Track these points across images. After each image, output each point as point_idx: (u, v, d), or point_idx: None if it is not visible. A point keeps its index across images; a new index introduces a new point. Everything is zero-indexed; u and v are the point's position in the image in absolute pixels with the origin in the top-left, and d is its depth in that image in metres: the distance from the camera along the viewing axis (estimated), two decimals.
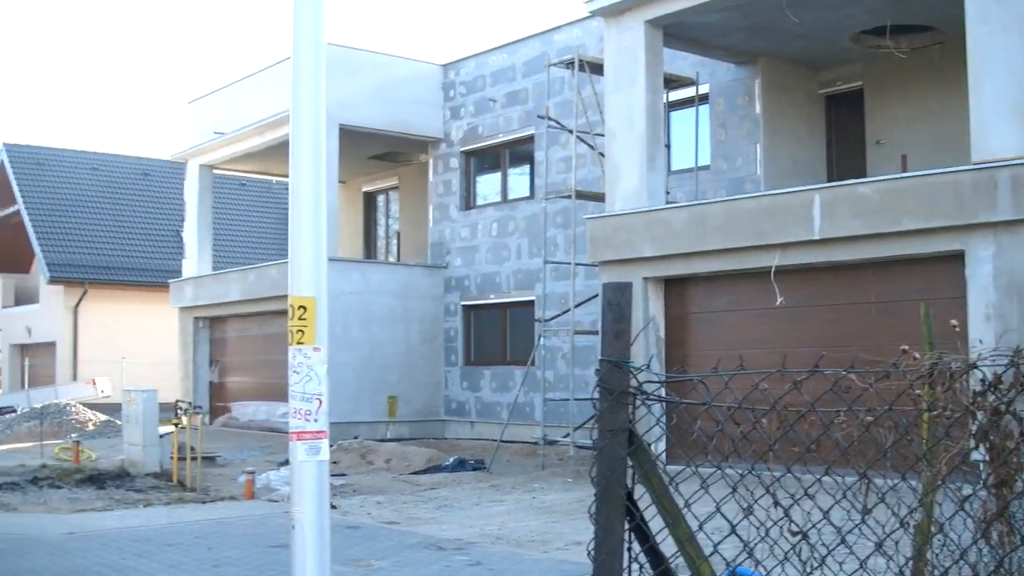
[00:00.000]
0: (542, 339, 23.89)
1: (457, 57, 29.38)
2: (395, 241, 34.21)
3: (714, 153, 23.04)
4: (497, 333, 27.96)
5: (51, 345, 44.44)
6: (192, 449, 20.25)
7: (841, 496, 4.36)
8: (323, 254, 6.98)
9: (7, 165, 46.25)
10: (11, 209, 46.59)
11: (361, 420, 26.67)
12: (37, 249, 43.53)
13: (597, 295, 21.36)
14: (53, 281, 42.77)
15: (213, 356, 33.90)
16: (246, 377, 32.56)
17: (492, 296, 27.68)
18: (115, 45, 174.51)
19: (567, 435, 22.08)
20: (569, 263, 22.80)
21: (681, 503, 4.41)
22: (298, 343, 6.91)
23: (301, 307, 6.94)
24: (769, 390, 4.28)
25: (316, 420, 6.94)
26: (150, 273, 43.71)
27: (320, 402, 6.96)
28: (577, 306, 22.58)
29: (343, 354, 25.92)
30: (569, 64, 22.88)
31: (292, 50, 7.66)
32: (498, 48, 28.01)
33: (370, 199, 35.06)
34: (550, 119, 23.68)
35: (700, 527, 4.43)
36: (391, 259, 33.74)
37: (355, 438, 24.88)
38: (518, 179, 28.02)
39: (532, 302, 26.17)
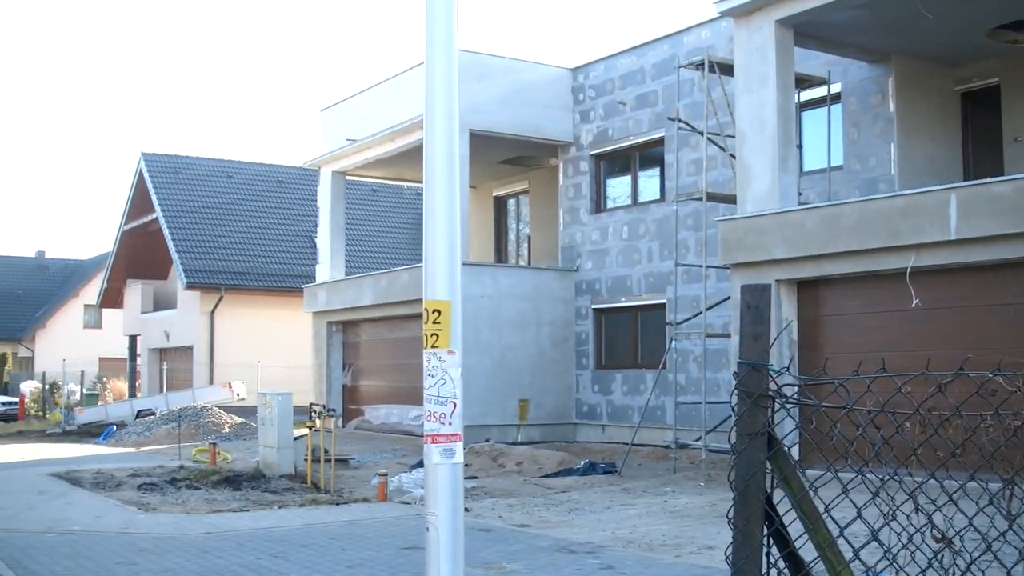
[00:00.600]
0: (673, 342, 23.73)
1: (586, 60, 29.34)
2: (526, 245, 34.27)
3: (847, 153, 22.66)
4: (628, 336, 27.86)
5: (188, 349, 45.36)
6: (326, 451, 20.47)
7: (986, 503, 4.24)
8: (457, 258, 6.99)
9: (146, 174, 47.35)
10: (150, 217, 47.68)
11: (492, 423, 26.76)
12: (174, 256, 44.47)
13: (729, 298, 21.17)
14: (190, 287, 43.64)
15: (346, 360, 34.29)
16: (378, 380, 32.87)
17: (623, 299, 27.58)
18: (250, 55, 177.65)
19: (699, 439, 21.89)
20: (700, 266, 22.61)
21: (820, 508, 4.33)
22: (432, 347, 6.93)
23: (435, 311, 6.96)
24: (912, 393, 4.17)
25: (450, 423, 6.95)
26: (284, 278, 44.39)
27: (454, 405, 6.97)
28: (709, 309, 22.39)
29: (474, 357, 26.03)
30: (699, 65, 22.70)
31: (425, 57, 7.70)
32: (627, 51, 27.92)
33: (500, 203, 35.19)
34: (680, 121, 23.51)
35: (840, 533, 4.34)
36: (522, 263, 33.80)
37: (486, 441, 24.95)
38: (648, 182, 27.89)
39: (663, 305, 26.02)
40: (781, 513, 4.39)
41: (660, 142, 26.78)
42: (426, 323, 6.97)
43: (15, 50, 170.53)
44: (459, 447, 6.85)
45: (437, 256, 7.06)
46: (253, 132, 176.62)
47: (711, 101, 22.64)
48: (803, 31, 20.20)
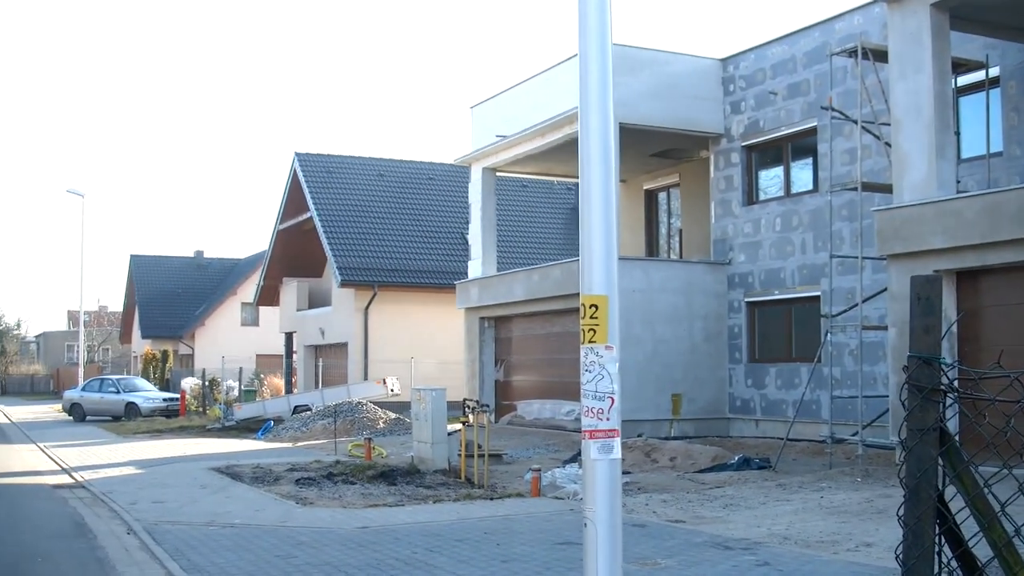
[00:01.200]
0: (829, 335, 23.30)
1: (736, 51, 28.99)
2: (677, 238, 34.02)
3: (1007, 139, 21.97)
4: (782, 329, 27.45)
5: (343, 346, 45.98)
6: (479, 447, 20.54)
7: None
8: (614, 253, 6.92)
9: (300, 174, 48.13)
10: (304, 216, 48.48)
11: (645, 418, 26.60)
12: (329, 254, 45.11)
13: (885, 289, 20.72)
14: (344, 284, 44.21)
15: (498, 355, 34.41)
16: (530, 375, 32.92)
17: (776, 292, 27.19)
18: (401, 54, 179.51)
19: (855, 433, 21.45)
20: (856, 257, 22.18)
21: (995, 506, 4.15)
22: (590, 342, 6.86)
23: (592, 306, 6.89)
24: None
25: (608, 419, 6.88)
26: (436, 275, 44.72)
27: (612, 400, 6.89)
28: (865, 301, 21.96)
29: (626, 352, 25.90)
30: (852, 53, 22.26)
31: (579, 53, 7.64)
32: (778, 39, 27.50)
33: (651, 197, 34.98)
34: (833, 110, 23.07)
35: (1017, 532, 4.16)
36: (673, 256, 33.55)
37: (639, 436, 24.82)
38: (801, 172, 27.43)
39: (817, 297, 25.59)
40: (954, 511, 4.22)
41: (813, 132, 26.32)
42: (583, 318, 6.91)
43: (173, 56, 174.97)
44: (617, 443, 6.77)
45: (593, 251, 7.00)
46: (404, 130, 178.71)
47: (865, 89, 22.19)
48: (959, 14, 19.65)
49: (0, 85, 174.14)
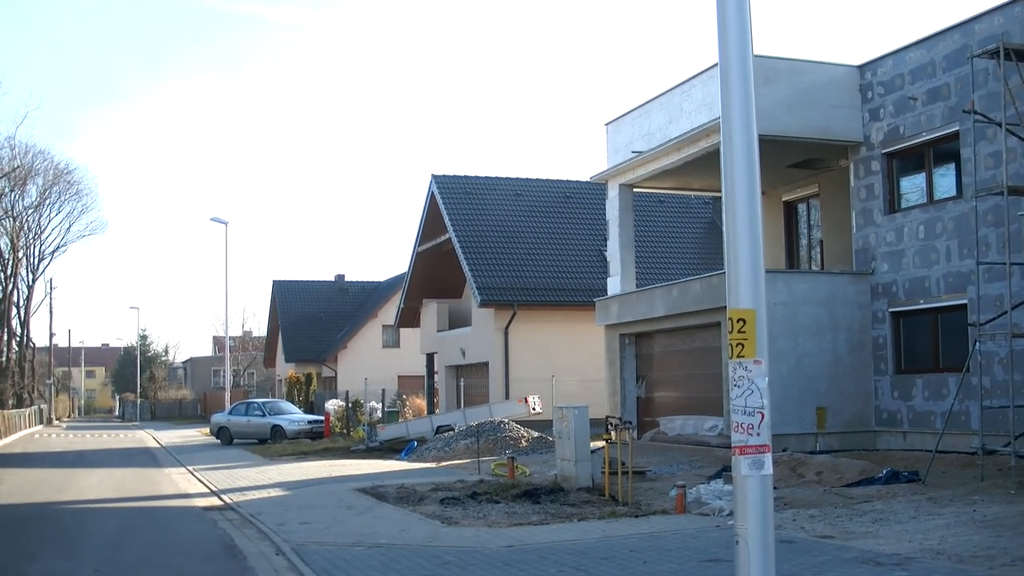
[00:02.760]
0: (977, 344, 22.84)
1: (872, 56, 28.61)
2: (818, 249, 33.63)
3: None
4: (928, 339, 26.96)
5: (484, 365, 46.27)
6: (623, 464, 20.54)
7: None
8: (760, 266, 6.93)
9: (437, 196, 48.64)
10: (443, 238, 48.97)
11: (790, 432, 26.32)
12: (468, 275, 45.47)
13: None
14: (484, 304, 44.50)
15: (639, 371, 34.34)
16: (672, 391, 32.80)
17: (921, 301, 26.72)
18: (534, 73, 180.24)
19: (1007, 444, 20.98)
20: (1004, 263, 21.74)
21: None
22: (738, 356, 6.88)
23: (740, 320, 6.91)
24: None
25: (759, 434, 6.89)
26: (575, 293, 44.80)
27: (762, 416, 6.91)
28: (1014, 308, 21.51)
29: (770, 366, 24.98)
30: (993, 54, 21.86)
31: (719, 67, 7.69)
32: (915, 43, 27.07)
33: (790, 208, 34.65)
34: (976, 113, 22.64)
35: None
36: (814, 268, 33.18)
37: (784, 451, 24.58)
38: (943, 178, 26.93)
39: (964, 306, 25.08)
40: None
41: (955, 136, 25.84)
42: (731, 333, 6.92)
43: (312, 82, 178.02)
44: (768, 458, 6.78)
45: (740, 265, 7.02)
46: (540, 149, 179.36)
47: (1008, 90, 21.77)
48: None
49: (146, 114, 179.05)
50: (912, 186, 27.86)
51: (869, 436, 27.68)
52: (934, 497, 18.66)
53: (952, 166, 26.43)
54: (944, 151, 26.59)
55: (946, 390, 25.32)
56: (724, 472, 21.90)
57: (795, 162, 30.99)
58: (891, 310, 27.60)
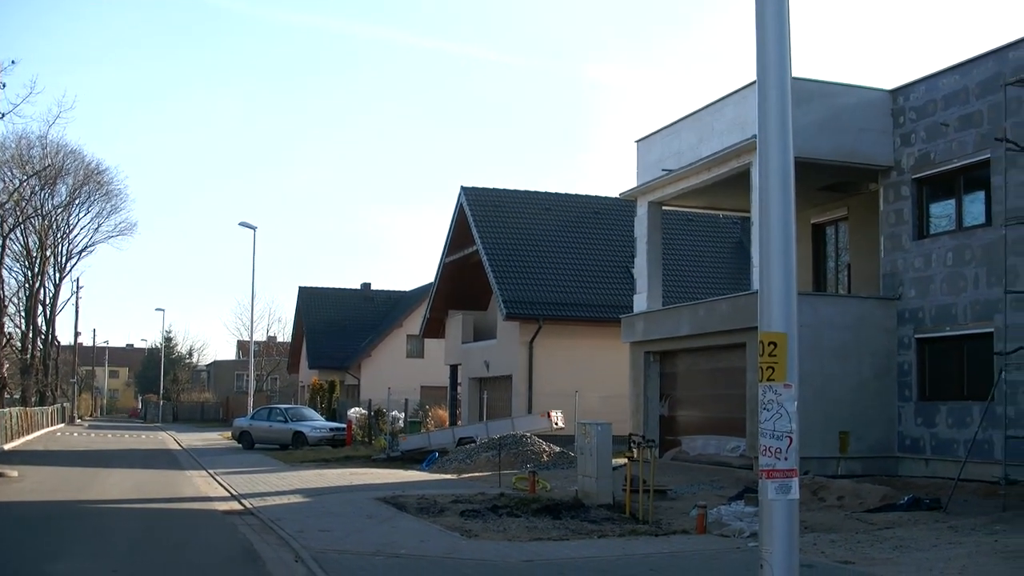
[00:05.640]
0: (1003, 373, 22.88)
1: (905, 81, 28.68)
2: (845, 273, 33.66)
3: None
4: (953, 367, 26.97)
5: (507, 378, 46.38)
6: (644, 482, 20.62)
7: None
8: (793, 290, 7.01)
9: (466, 208, 48.85)
10: (470, 249, 49.14)
11: (811, 455, 26.34)
12: (494, 287, 45.62)
13: None
14: (509, 317, 44.66)
15: (663, 390, 34.40)
16: (695, 411, 32.86)
17: (948, 328, 26.75)
18: (564, 88, 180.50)
19: None
20: None
21: None
22: (768, 380, 6.95)
23: (771, 343, 6.97)
24: None
25: (786, 458, 6.96)
26: (601, 309, 44.89)
27: (790, 440, 6.98)
28: None
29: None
30: None
31: (758, 86, 7.82)
32: (949, 69, 27.14)
33: (818, 231, 34.69)
34: (1008, 141, 22.71)
35: None
36: (841, 291, 33.20)
37: (806, 473, 24.62)
38: (973, 205, 26.95)
39: (991, 334, 25.11)
40: None
41: (986, 164, 25.87)
42: (761, 356, 7.00)
43: (342, 91, 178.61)
44: (795, 483, 6.85)
45: (772, 288, 7.09)
46: (569, 165, 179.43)
47: None
48: None
49: (179, 117, 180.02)
50: (942, 212, 27.92)
51: (891, 462, 27.71)
52: (955, 526, 18.69)
53: (982, 193, 26.47)
54: (975, 178, 26.64)
55: (970, 418, 25.34)
56: (745, 493, 21.97)
57: (825, 185, 31.07)
58: (917, 336, 27.65)
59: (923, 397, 27.50)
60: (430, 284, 58.67)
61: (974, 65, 26.31)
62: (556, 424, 38.03)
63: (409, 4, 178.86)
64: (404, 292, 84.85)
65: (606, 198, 51.14)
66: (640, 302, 35.05)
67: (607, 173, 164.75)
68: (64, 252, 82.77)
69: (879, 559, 15.33)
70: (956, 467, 23.05)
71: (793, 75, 7.99)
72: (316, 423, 49.01)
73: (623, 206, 44.01)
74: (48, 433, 64.36)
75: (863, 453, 27.50)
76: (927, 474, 26.50)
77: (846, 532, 18.25)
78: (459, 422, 51.09)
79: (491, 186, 50.74)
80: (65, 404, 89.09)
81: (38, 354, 78.27)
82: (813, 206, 33.53)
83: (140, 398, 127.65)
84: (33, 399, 73.07)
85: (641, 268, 35.22)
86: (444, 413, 54.69)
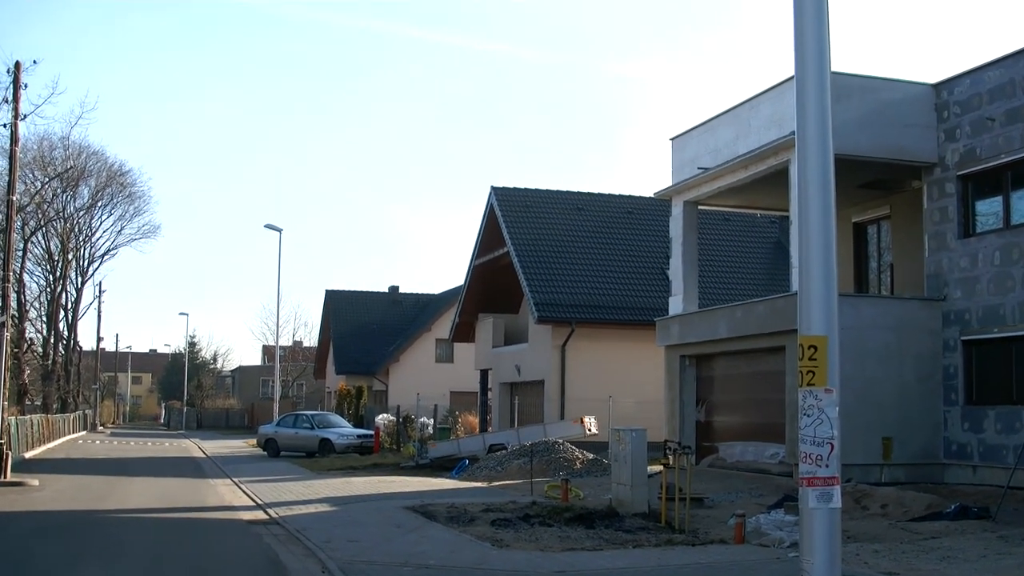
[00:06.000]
0: None
1: (949, 75, 28.44)
2: (887, 273, 33.40)
3: None
4: (1002, 370, 26.67)
5: (539, 383, 46.29)
6: (680, 490, 20.49)
7: None
8: (834, 291, 6.91)
9: (496, 209, 48.76)
10: (501, 251, 49.04)
11: (854, 462, 26.10)
12: (526, 290, 45.51)
13: None
14: (541, 321, 44.55)
15: (699, 394, 34.22)
16: (733, 416, 32.67)
17: (996, 330, 26.48)
18: (596, 84, 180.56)
19: None
20: None
21: None
22: (808, 384, 6.85)
23: (812, 347, 6.89)
24: None
25: (827, 465, 6.86)
26: (635, 311, 44.71)
27: (832, 447, 6.88)
28: None
29: None
30: None
31: (796, 81, 7.70)
32: (994, 62, 26.87)
33: (860, 230, 34.43)
34: None
35: None
36: (884, 292, 32.95)
37: (848, 481, 24.41)
38: (1021, 202, 26.68)
39: None
40: None
41: None
42: (801, 359, 6.91)
43: (372, 89, 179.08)
44: (837, 491, 6.75)
45: (812, 290, 7.00)
46: (602, 164, 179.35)
47: None
48: None
49: (203, 118, 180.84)
50: (988, 210, 27.64)
51: (937, 469, 27.45)
52: (1005, 535, 18.48)
53: None
54: (1022, 174, 26.36)
55: (1019, 423, 25.09)
56: (785, 501, 21.81)
57: (866, 182, 30.81)
58: (963, 338, 27.38)
59: (970, 401, 27.23)
60: (460, 287, 58.64)
61: (1020, 57, 26.05)
62: (589, 430, 37.92)
63: (437, 1, 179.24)
64: (433, 295, 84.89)
65: (640, 197, 51.01)
66: (675, 304, 34.87)
67: (641, 172, 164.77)
68: (86, 255, 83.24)
69: (925, 570, 15.17)
70: (1005, 474, 22.82)
71: (832, 69, 7.88)
72: (343, 430, 49.09)
73: (657, 206, 43.86)
74: (70, 441, 64.71)
75: (907, 460, 27.25)
76: (974, 482, 26.24)
77: (890, 542, 18.07)
78: (489, 428, 51.07)
79: (522, 186, 50.70)
80: (87, 411, 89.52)
81: (60, 360, 78.68)
82: (854, 204, 33.28)
83: (163, 404, 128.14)
84: (55, 406, 73.43)
85: (676, 269, 35.03)
86: (474, 419, 54.65)
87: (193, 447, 59.34)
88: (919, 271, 29.39)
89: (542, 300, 44.70)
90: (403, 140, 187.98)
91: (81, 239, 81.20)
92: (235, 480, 33.29)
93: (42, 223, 72.81)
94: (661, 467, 21.73)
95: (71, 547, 18.37)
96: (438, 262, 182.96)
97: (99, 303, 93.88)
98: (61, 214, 76.32)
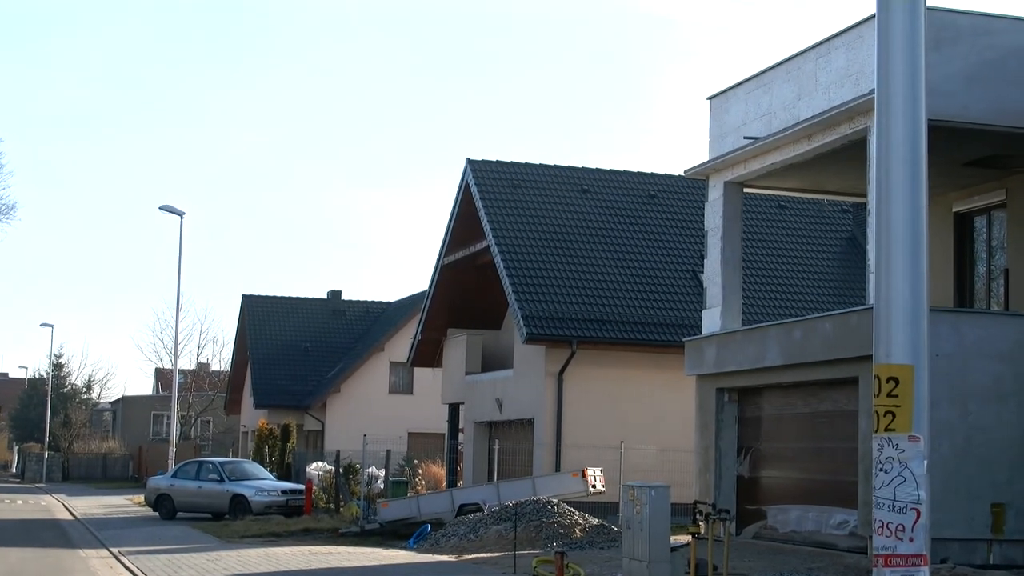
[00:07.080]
0: None
1: None
2: (1001, 281, 33.31)
3: None
4: None
5: (527, 423, 46.21)
6: (715, 569, 20.40)
7: None
8: (923, 305, 6.79)
9: (473, 188, 48.46)
10: (479, 246, 48.73)
11: (951, 536, 26.02)
12: (511, 298, 45.31)
13: None
14: (531, 340, 44.33)
15: (743, 441, 34.13)
16: (787, 471, 32.58)
17: None
18: (602, 25, 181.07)
19: None
20: None
21: None
22: (886, 429, 6.72)
23: (891, 379, 6.76)
24: None
25: (911, 539, 6.74)
26: (657, 328, 44.61)
27: (918, 514, 6.76)
28: None
29: (928, 442, 25.28)
30: None
31: (877, 20, 7.50)
32: None
33: (963, 222, 34.30)
34: None
35: None
36: (996, 307, 32.86)
37: (943, 562, 24.35)
38: None
39: None
40: None
41: None
42: (877, 396, 6.78)
43: (309, 45, 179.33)
44: (925, 573, 6.62)
45: (893, 303, 6.89)
46: (618, 131, 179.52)
47: None
48: None
49: (61, 70, 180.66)
50: None
51: None
52: None
53: None
54: None
55: None
56: None
57: (975, 159, 30.67)
58: None
59: None
60: (422, 293, 58.70)
61: None
62: (594, 487, 37.86)
63: None
64: (387, 303, 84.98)
65: (666, 176, 51.06)
66: (711, 320, 34.75)
67: (668, 142, 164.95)
68: None
69: None
70: None
71: (930, 3, 7.75)
72: (263, 483, 49.04)
73: (689, 187, 43.87)
74: None
75: None
76: None
77: None
78: (460, 483, 51.06)
79: (508, 159, 50.49)
80: None
81: None
82: (957, 188, 33.18)
83: (16, 448, 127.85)
84: None
85: (714, 273, 34.91)
86: (440, 470, 54.68)
87: (57, 505, 59.20)
88: None
89: (533, 312, 44.51)
90: (346, 96, 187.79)
91: None
92: (115, 551, 33.13)
93: None
94: (689, 537, 21.65)
95: None
96: (394, 260, 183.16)
97: None
98: None
